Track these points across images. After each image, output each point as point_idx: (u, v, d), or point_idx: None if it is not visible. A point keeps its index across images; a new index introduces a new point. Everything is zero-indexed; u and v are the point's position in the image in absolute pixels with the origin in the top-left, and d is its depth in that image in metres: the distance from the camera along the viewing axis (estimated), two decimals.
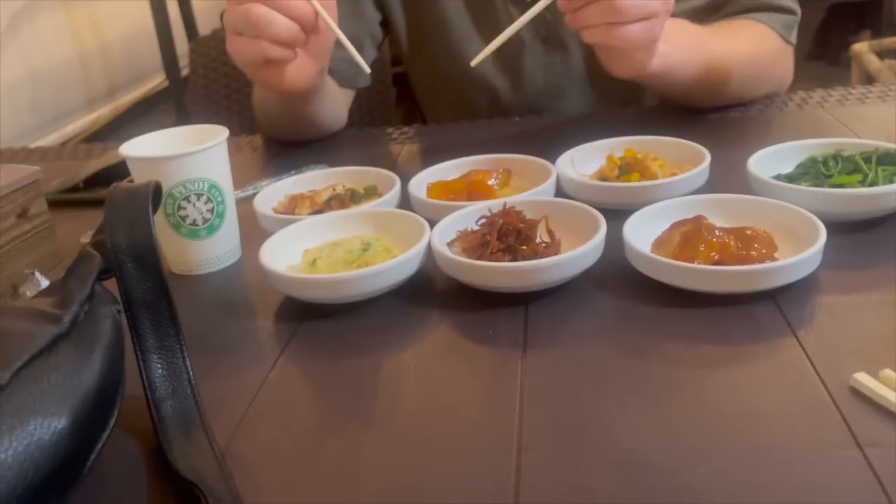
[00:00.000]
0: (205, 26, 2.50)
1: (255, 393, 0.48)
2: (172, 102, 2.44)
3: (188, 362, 0.47)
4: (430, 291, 0.58)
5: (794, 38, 0.90)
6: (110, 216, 0.46)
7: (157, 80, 2.59)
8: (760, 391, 0.43)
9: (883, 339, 0.46)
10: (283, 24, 0.71)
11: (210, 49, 1.51)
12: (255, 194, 0.74)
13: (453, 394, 0.46)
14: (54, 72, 2.33)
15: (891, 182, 0.58)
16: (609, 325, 0.52)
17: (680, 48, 0.78)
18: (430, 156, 0.90)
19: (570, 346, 0.50)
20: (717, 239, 0.54)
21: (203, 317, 0.58)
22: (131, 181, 0.61)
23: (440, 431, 0.43)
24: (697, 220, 0.56)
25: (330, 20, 0.74)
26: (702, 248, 0.54)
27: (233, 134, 1.12)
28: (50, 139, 2.19)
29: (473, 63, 0.72)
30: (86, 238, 0.76)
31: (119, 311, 0.46)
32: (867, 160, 0.61)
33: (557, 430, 0.42)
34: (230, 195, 0.66)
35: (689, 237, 0.55)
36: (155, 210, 0.48)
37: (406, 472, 0.40)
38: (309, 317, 0.56)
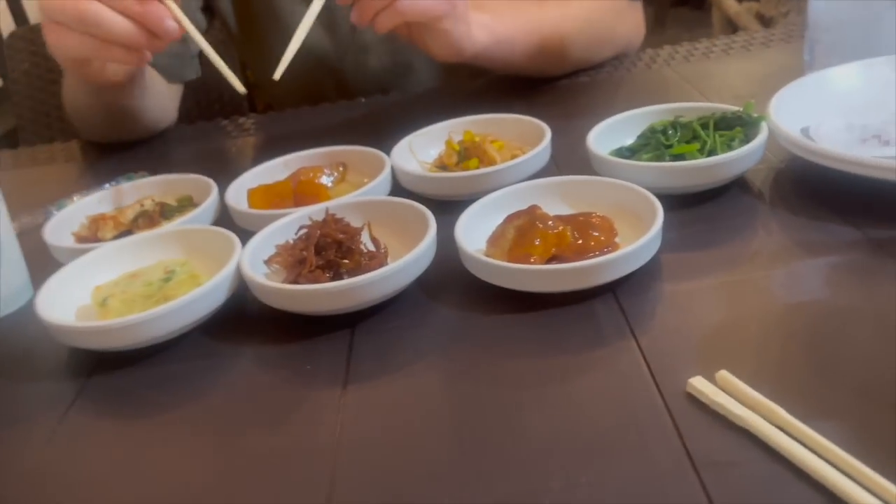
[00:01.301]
0: (37, 16, 2.25)
1: (20, 482, 0.40)
2: (9, 104, 2.20)
3: None
4: (244, 322, 0.51)
5: None
6: None
7: None
8: (594, 411, 0.38)
9: (720, 330, 0.42)
10: (121, 28, 0.60)
11: (30, 43, 1.35)
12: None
13: (259, 455, 0.40)
14: None
15: (729, 148, 0.55)
16: (441, 343, 0.46)
17: (504, 19, 0.73)
18: (267, 150, 0.82)
19: (396, 375, 0.44)
20: (553, 230, 0.49)
21: None
22: None
23: (242, 501, 0.37)
24: (531, 212, 0.51)
25: (191, 27, 0.63)
26: (537, 243, 0.49)
27: (55, 139, 1.00)
28: None
29: (276, 76, 0.64)
30: None
31: None
32: (705, 126, 0.57)
33: (371, 491, 0.36)
34: (4, 228, 0.56)
35: (522, 231, 0.50)
36: None
37: None
38: (99, 369, 0.48)
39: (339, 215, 0.54)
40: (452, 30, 0.67)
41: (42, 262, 0.59)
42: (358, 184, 0.64)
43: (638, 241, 0.47)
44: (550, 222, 0.50)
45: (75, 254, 0.57)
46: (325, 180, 0.67)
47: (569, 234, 0.50)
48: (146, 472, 0.40)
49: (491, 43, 0.71)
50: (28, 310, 0.57)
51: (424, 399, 0.42)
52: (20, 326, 0.55)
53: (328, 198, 0.61)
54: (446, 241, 0.52)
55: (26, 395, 0.47)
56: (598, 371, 0.41)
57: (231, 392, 0.45)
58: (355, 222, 0.53)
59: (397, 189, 0.63)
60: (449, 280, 0.51)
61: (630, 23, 0.88)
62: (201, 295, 0.48)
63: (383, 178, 0.62)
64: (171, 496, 0.38)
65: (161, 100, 0.88)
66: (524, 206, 0.52)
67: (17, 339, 0.54)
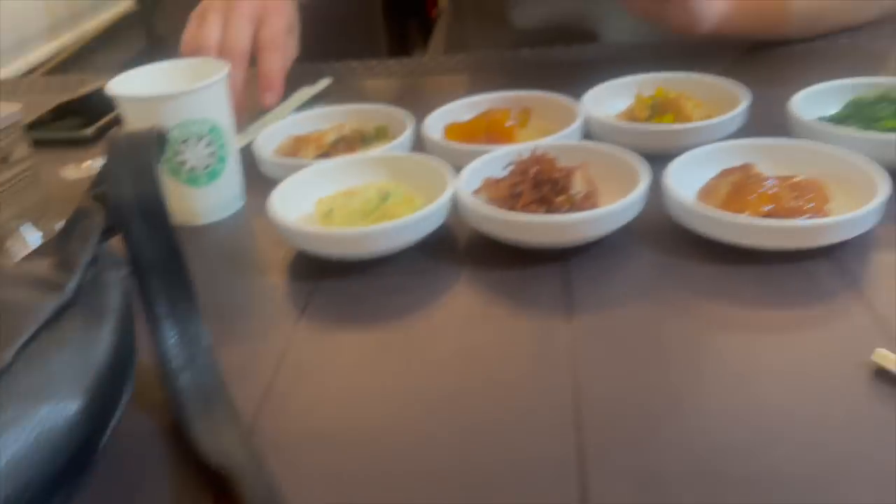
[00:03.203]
0: None
1: (278, 361, 0.44)
2: (143, 27, 2.30)
3: (204, 328, 0.43)
4: (453, 245, 0.54)
5: None
6: (113, 167, 0.40)
7: (125, 3, 2.44)
8: (826, 361, 0.40)
9: None
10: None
11: None
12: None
13: (496, 362, 0.43)
14: None
15: None
16: (657, 285, 0.48)
17: None
18: (441, 92, 0.85)
19: (619, 308, 0.46)
20: (770, 190, 0.50)
21: (209, 273, 0.54)
22: (116, 118, 0.56)
23: (487, 404, 0.40)
24: (746, 169, 0.52)
25: None
26: (751, 199, 0.50)
27: None
28: (10, 70, 2.04)
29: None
30: (68, 172, 0.70)
31: (126, 276, 0.41)
32: None
33: (618, 406, 0.39)
34: (231, 137, 0.61)
35: (738, 187, 0.51)
36: (159, 159, 0.42)
37: (456, 446, 0.37)
38: (326, 274, 0.52)
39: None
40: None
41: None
42: (541, 130, 0.66)
43: (868, 205, 0.47)
44: (768, 181, 0.51)
45: (286, 169, 0.61)
46: (510, 123, 0.69)
47: (784, 195, 0.50)
48: (391, 372, 0.43)
49: (730, 9, 0.70)
50: (241, 215, 0.62)
51: (652, 332, 0.44)
52: (240, 228, 0.60)
53: (515, 141, 0.63)
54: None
55: (266, 288, 0.52)
56: (824, 327, 0.43)
57: (457, 306, 0.48)
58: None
59: (586, 139, 0.65)
60: (654, 229, 0.53)
61: None
62: (426, 215, 0.51)
63: (576, 126, 0.64)
64: (411, 394, 0.41)
65: None
66: (733, 164, 0.53)
67: (240, 239, 0.58)
